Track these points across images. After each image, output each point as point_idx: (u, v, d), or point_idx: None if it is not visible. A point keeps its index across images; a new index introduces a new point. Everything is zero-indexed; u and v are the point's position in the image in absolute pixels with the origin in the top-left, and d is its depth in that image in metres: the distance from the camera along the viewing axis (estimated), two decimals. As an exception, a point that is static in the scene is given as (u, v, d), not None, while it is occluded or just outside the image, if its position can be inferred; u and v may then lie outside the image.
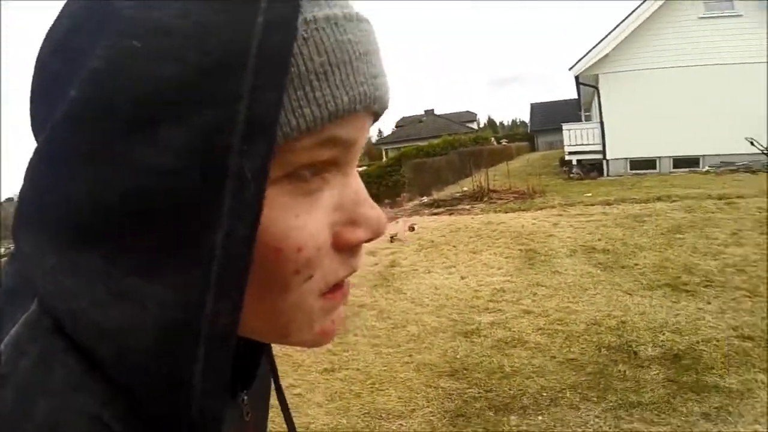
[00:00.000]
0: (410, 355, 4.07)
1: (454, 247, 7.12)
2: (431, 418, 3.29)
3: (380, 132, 65.27)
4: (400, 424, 3.24)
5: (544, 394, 3.38)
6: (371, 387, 3.67)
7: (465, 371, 3.76)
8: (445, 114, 49.10)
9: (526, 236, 7.36)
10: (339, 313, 0.34)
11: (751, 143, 13.47)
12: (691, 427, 2.95)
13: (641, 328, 4.20)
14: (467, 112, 53.89)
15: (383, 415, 3.33)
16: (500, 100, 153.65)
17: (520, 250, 6.72)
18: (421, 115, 47.55)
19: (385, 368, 3.93)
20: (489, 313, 4.78)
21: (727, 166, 14.42)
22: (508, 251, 6.72)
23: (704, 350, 3.78)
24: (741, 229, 7.16)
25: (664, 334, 4.08)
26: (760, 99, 14.09)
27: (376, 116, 0.33)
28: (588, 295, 5.02)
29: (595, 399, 3.28)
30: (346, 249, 0.32)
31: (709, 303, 4.67)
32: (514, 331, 4.34)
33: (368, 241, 0.33)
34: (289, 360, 4.06)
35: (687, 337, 3.99)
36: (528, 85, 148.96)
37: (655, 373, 3.50)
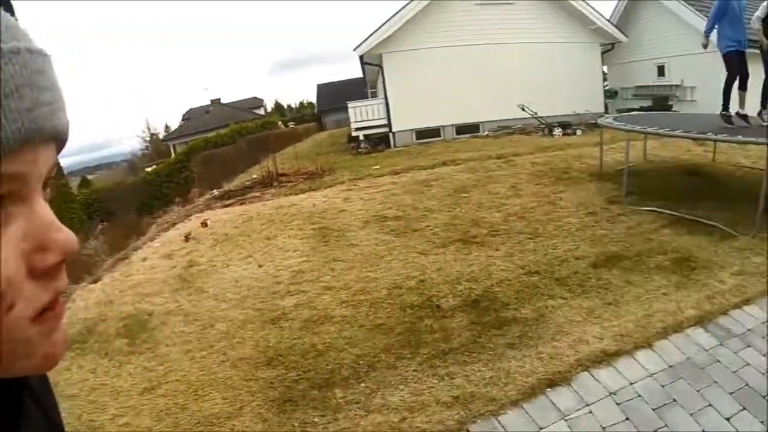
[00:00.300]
0: (224, 354, 4.05)
1: (248, 236, 7.13)
2: (260, 411, 3.35)
3: (167, 127, 62.08)
4: (233, 425, 3.27)
5: (361, 362, 3.61)
6: (195, 395, 3.63)
7: (280, 357, 3.83)
8: (232, 102, 48.98)
9: (319, 215, 7.65)
10: (60, 333, 0.38)
11: (522, 109, 16.32)
12: (499, 357, 3.46)
13: (440, 283, 4.70)
14: (254, 98, 54.42)
15: (214, 421, 3.34)
16: (288, 84, 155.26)
17: (314, 229, 6.96)
18: (208, 106, 46.42)
19: (203, 372, 3.87)
20: (292, 296, 4.88)
21: (504, 129, 17.10)
22: (302, 232, 6.91)
23: (499, 291, 4.42)
24: (518, 182, 8.43)
25: (461, 284, 4.63)
26: (529, 72, 17.21)
27: (57, 143, 0.37)
28: (385, 262, 5.41)
29: (409, 356, 3.60)
30: (43, 274, 0.35)
31: (498, 250, 5.44)
32: (319, 309, 4.49)
33: (61, 262, 0.36)
34: (106, 389, 3.87)
35: (482, 283, 4.60)
36: (316, 67, 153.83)
37: (459, 320, 3.97)
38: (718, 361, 3.42)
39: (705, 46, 6.98)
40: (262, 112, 50.50)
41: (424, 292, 4.55)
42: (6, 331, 0.32)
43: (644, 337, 3.63)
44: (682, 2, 17.78)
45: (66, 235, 0.36)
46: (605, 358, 3.41)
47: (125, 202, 18.87)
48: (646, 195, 7.13)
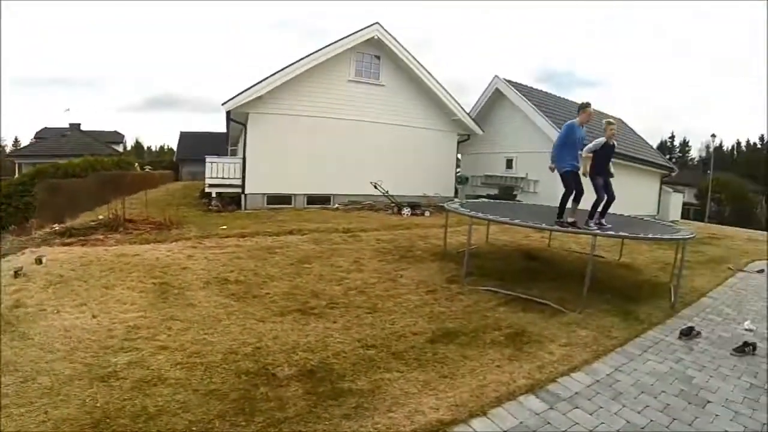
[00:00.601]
0: (46, 412, 3.54)
1: (85, 282, 6.56)
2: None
3: (17, 141, 55.49)
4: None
5: (194, 429, 3.39)
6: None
7: (108, 420, 3.45)
8: (92, 131, 45.39)
9: (161, 269, 7.31)
10: None
11: (375, 186, 17.07)
12: (335, 428, 3.46)
13: (276, 351, 4.65)
14: (115, 132, 52.05)
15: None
16: (155, 124, 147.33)
17: (154, 283, 6.62)
18: (65, 129, 42.48)
19: (21, 432, 3.34)
20: (125, 352, 4.51)
21: (354, 204, 17.68)
22: (142, 285, 6.52)
23: (335, 362, 4.46)
24: (362, 257, 8.71)
25: (297, 353, 4.62)
26: (388, 151, 18.30)
27: None
28: (222, 326, 5.25)
29: (243, 423, 3.46)
30: None
31: (335, 322, 5.55)
32: (152, 369, 4.20)
33: None
34: None
35: (318, 354, 4.64)
36: (188, 113, 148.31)
37: (294, 389, 3.92)
38: (549, 423, 3.73)
39: (552, 170, 7.68)
40: (120, 148, 47.84)
41: (260, 359, 4.46)
42: None
43: (479, 405, 3.86)
44: (533, 106, 20.28)
45: None
46: (441, 427, 3.55)
47: None
48: (485, 275, 7.76)
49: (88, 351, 4.54)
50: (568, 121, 7.56)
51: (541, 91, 24.37)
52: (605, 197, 7.52)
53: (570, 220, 7.44)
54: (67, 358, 4.40)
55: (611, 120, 7.63)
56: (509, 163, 22.06)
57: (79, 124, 45.08)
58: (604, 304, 6.80)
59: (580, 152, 7.47)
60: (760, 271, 11.15)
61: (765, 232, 26.25)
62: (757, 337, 6.26)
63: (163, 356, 4.48)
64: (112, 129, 53.21)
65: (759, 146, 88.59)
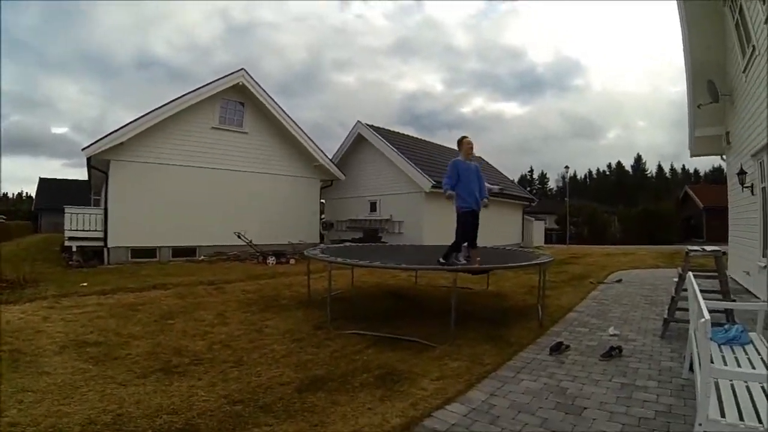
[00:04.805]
0: None
1: None
2: None
3: None
4: None
5: None
6: None
7: None
8: None
9: (11, 333, 6.85)
10: None
11: (238, 236, 17.11)
12: None
13: (138, 417, 4.47)
14: None
15: None
16: (14, 167, 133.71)
17: (4, 351, 6.16)
18: None
19: None
20: (-44, 439, 4.26)
21: (219, 255, 17.55)
22: (-13, 354, 6.08)
23: (201, 422, 4.35)
24: (227, 309, 8.76)
25: (161, 417, 4.48)
26: (252, 200, 18.36)
27: None
28: (80, 393, 4.97)
29: None
30: None
31: (200, 379, 5.47)
32: (-8, 455, 3.89)
33: None
34: None
35: (183, 415, 4.53)
36: (44, 157, 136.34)
37: None
38: None
39: (450, 198, 7.90)
40: None
41: (121, 427, 4.27)
42: None
43: None
44: (394, 149, 21.30)
45: None
46: None
47: None
48: (352, 319, 7.96)
49: None
50: (452, 159, 7.86)
51: (403, 134, 25.82)
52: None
53: (463, 261, 7.80)
54: None
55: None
56: (373, 206, 23.00)
57: None
58: (474, 332, 7.20)
59: (489, 186, 7.89)
60: (618, 281, 12.72)
61: (620, 246, 29.43)
62: (622, 340, 7.11)
63: (11, 435, 4.30)
64: None
65: (607, 173, 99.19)
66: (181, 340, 7.05)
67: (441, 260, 7.83)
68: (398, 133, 25.70)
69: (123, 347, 6.64)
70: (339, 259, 8.49)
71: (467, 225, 7.86)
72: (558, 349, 6.69)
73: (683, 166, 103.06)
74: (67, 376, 5.56)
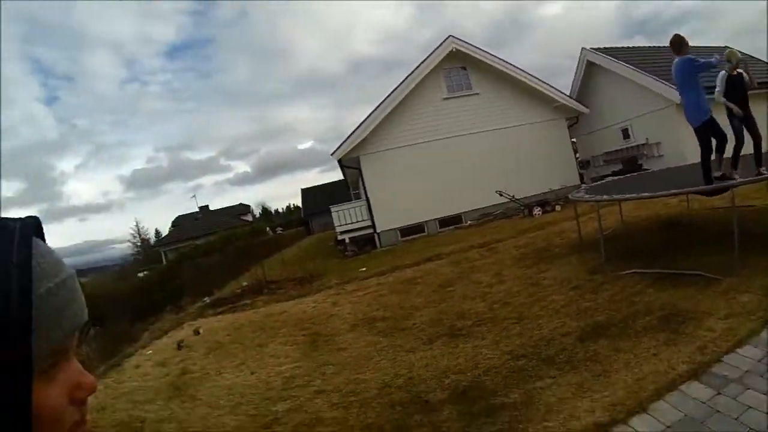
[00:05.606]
0: None
1: (240, 344, 7.29)
2: None
3: (157, 232, 64.89)
4: None
5: None
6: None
7: None
8: (220, 209, 52.19)
9: (308, 321, 7.82)
10: None
11: (500, 194, 16.95)
12: None
13: (427, 378, 4.72)
14: (241, 204, 57.97)
15: None
16: (273, 188, 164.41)
17: (304, 335, 7.09)
18: (196, 213, 48.90)
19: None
20: (284, 401, 4.90)
21: (485, 217, 17.62)
22: (293, 338, 7.04)
23: (486, 379, 4.43)
24: (502, 268, 8.63)
25: (448, 377, 4.65)
26: (502, 157, 18.14)
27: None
28: (373, 363, 5.46)
29: None
30: (78, 402, 0.56)
31: (484, 339, 5.51)
32: (311, 413, 4.49)
33: (88, 395, 0.58)
34: None
35: (469, 374, 4.62)
36: (300, 172, 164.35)
37: (448, 412, 3.95)
38: (718, 411, 3.28)
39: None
40: (249, 218, 52.61)
41: (412, 388, 4.55)
42: None
43: (637, 402, 3.55)
44: (631, 67, 19.05)
45: (90, 378, 0.57)
46: (598, 431, 3.35)
47: (117, 307, 18.72)
48: (627, 258, 7.26)
49: (250, 404, 5.00)
50: (675, 60, 6.67)
51: (634, 47, 22.73)
52: (744, 140, 6.75)
53: (717, 174, 6.73)
54: (232, 412, 4.89)
55: (730, 48, 6.76)
56: (625, 133, 20.77)
57: (207, 206, 50.46)
58: (765, 259, 5.86)
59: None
60: None
61: None
62: None
63: (320, 400, 4.77)
64: (237, 203, 59.02)
65: None
66: (462, 304, 7.17)
67: (715, 175, 6.54)
68: (628, 47, 22.58)
69: (408, 318, 7.00)
70: (604, 197, 7.70)
71: (707, 140, 6.60)
72: None
73: None
74: (361, 349, 6.13)
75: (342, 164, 18.36)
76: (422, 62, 17.95)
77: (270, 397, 5.11)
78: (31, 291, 0.48)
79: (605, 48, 21.54)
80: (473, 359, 5.01)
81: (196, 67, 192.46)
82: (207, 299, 12.81)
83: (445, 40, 18.17)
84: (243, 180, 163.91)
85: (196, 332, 8.37)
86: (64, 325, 0.53)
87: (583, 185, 15.87)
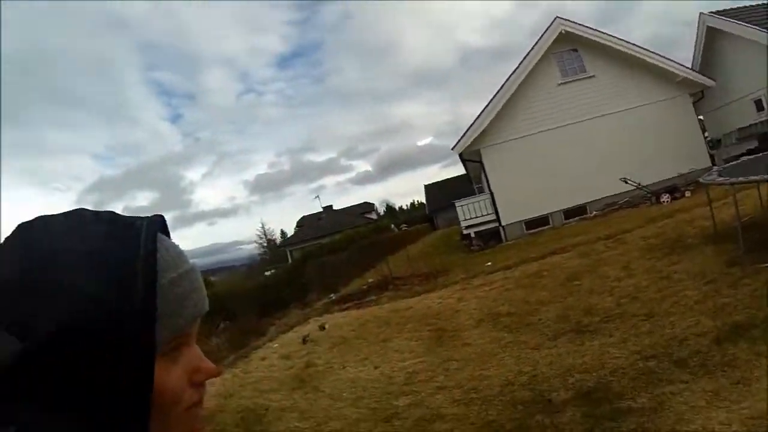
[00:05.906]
0: None
1: (364, 339, 7.67)
2: None
3: (283, 233, 69.48)
4: None
5: None
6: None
7: None
8: (344, 208, 53.61)
9: (433, 317, 8.00)
10: (201, 416, 0.62)
11: (625, 182, 16.08)
12: None
13: (551, 377, 4.70)
14: (365, 203, 59.48)
15: None
16: (396, 186, 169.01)
17: (429, 330, 7.30)
18: (320, 213, 50.62)
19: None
20: (405, 396, 5.14)
21: (610, 206, 16.84)
22: (417, 334, 7.27)
23: (613, 380, 4.33)
24: (630, 261, 8.27)
25: (573, 376, 4.60)
26: (624, 142, 17.19)
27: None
28: (497, 359, 5.52)
29: None
30: (196, 385, 0.60)
31: (611, 336, 5.35)
32: (431, 408, 4.68)
33: (206, 379, 0.61)
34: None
35: (595, 373, 4.54)
36: (423, 168, 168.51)
37: (571, 414, 3.93)
38: None
39: None
40: (374, 216, 53.81)
41: (535, 387, 4.57)
42: (176, 416, 0.56)
43: None
44: (758, 28, 17.11)
45: (209, 364, 0.61)
46: None
47: (245, 303, 20.09)
48: None
49: (372, 397, 5.29)
50: None
51: (759, 5, 20.00)
52: None
53: None
54: (354, 404, 5.21)
55: None
56: (759, 105, 18.54)
57: (331, 206, 52.16)
58: None
59: None
60: None
61: None
62: None
63: (441, 395, 4.93)
64: (361, 201, 60.47)
65: None
66: (589, 298, 6.99)
67: None
68: (752, 6, 19.86)
69: (533, 314, 6.97)
70: (740, 179, 7.07)
71: None
72: None
73: None
74: (485, 345, 6.21)
75: (463, 158, 18.36)
76: (531, 49, 17.44)
77: (392, 391, 5.36)
78: (155, 282, 0.52)
79: (725, 10, 19.52)
80: (599, 358, 4.90)
81: (307, 73, 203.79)
82: (332, 296, 13.43)
83: (552, 22, 17.48)
84: (365, 179, 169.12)
85: (322, 327, 8.87)
86: (185, 314, 0.57)
87: (715, 167, 14.61)
